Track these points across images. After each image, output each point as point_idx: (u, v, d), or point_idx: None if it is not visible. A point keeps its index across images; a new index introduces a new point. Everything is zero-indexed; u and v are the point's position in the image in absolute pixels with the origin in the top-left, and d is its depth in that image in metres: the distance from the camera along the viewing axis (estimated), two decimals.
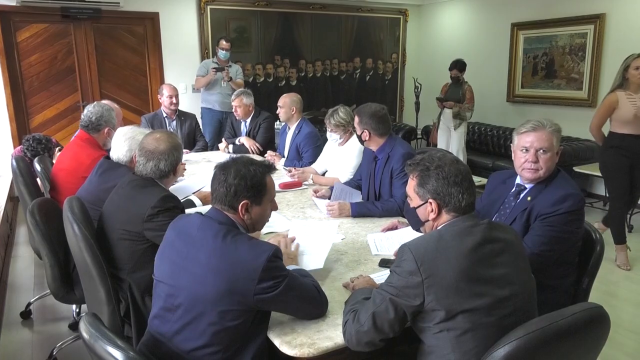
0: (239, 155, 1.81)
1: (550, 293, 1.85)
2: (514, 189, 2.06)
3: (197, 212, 1.65)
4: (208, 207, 1.82)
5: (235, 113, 4.50)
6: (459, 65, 5.86)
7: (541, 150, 1.91)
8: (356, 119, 2.81)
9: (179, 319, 1.46)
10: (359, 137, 2.84)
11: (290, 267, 1.67)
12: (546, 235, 1.86)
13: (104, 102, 3.24)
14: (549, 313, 1.28)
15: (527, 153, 1.94)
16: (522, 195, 2.01)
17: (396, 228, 2.38)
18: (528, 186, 2.00)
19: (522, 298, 1.36)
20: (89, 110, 2.88)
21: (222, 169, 1.56)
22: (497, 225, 1.44)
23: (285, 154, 4.10)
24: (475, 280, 1.30)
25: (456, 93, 5.90)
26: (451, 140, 6.00)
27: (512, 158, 2.05)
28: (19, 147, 3.99)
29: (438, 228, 1.45)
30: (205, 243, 1.47)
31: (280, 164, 3.97)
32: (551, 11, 5.95)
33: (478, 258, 1.33)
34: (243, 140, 4.46)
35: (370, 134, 2.77)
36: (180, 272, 1.48)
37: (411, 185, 1.53)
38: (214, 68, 5.47)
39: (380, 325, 1.37)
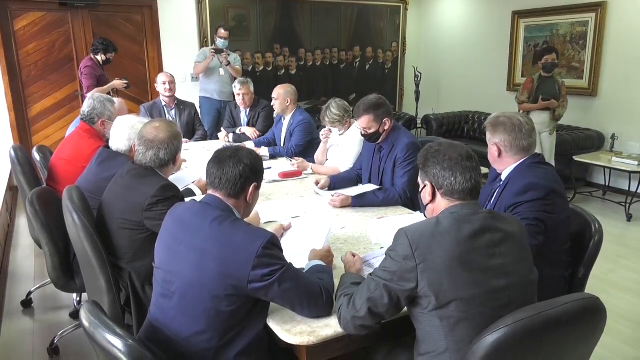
0: (231, 144, 1.82)
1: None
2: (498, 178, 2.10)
3: (193, 199, 1.65)
4: None
5: (241, 101, 4.45)
6: (554, 50, 4.94)
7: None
8: (371, 115, 2.68)
9: (175, 305, 1.47)
10: (377, 133, 2.73)
11: (312, 263, 1.69)
12: None
13: (99, 93, 3.24)
14: (540, 302, 1.28)
15: None
16: (498, 185, 2.05)
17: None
18: (503, 176, 2.03)
19: (520, 290, 1.36)
20: (85, 103, 2.95)
21: (233, 156, 1.56)
22: (499, 216, 1.44)
23: (281, 144, 4.08)
24: (469, 269, 1.31)
25: (552, 89, 4.88)
26: (543, 146, 4.86)
27: None
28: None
29: (437, 215, 1.45)
30: (201, 229, 1.47)
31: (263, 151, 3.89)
32: None
33: (474, 246, 1.33)
34: (244, 129, 4.45)
35: (390, 121, 2.75)
36: (176, 258, 1.49)
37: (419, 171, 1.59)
38: (212, 49, 5.45)
39: (375, 311, 1.39)
